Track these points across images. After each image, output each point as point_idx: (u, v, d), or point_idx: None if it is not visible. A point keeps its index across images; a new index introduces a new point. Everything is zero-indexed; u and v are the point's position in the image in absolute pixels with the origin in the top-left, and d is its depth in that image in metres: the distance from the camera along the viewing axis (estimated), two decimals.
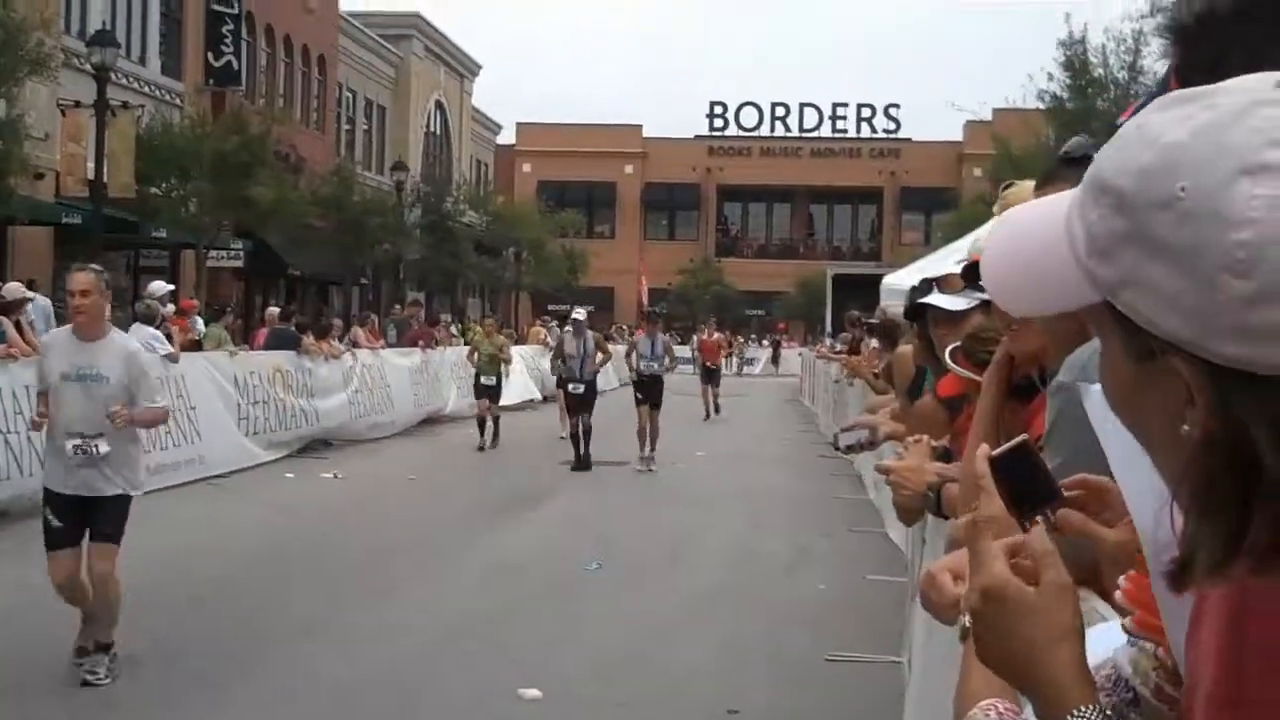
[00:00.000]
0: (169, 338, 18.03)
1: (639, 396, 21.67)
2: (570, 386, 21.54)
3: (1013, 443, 1.75)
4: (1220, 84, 1.21)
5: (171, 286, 21.44)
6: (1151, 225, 1.15)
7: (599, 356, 22.10)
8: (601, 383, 24.46)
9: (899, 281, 22.60)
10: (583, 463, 20.38)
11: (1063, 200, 1.31)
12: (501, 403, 25.63)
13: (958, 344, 4.65)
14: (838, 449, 6.09)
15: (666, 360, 22.68)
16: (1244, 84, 1.20)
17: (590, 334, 22.28)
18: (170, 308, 19.78)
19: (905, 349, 8.33)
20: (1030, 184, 6.42)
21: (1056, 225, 1.28)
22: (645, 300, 62.47)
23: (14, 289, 15.74)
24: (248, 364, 20.52)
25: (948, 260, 15.82)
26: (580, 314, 22.60)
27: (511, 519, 15.26)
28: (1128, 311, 1.19)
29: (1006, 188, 6.28)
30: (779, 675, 8.97)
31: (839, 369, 22.99)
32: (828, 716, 8.16)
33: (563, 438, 22.72)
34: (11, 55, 23.30)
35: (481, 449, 23.46)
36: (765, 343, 74.37)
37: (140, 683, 8.37)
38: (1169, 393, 1.20)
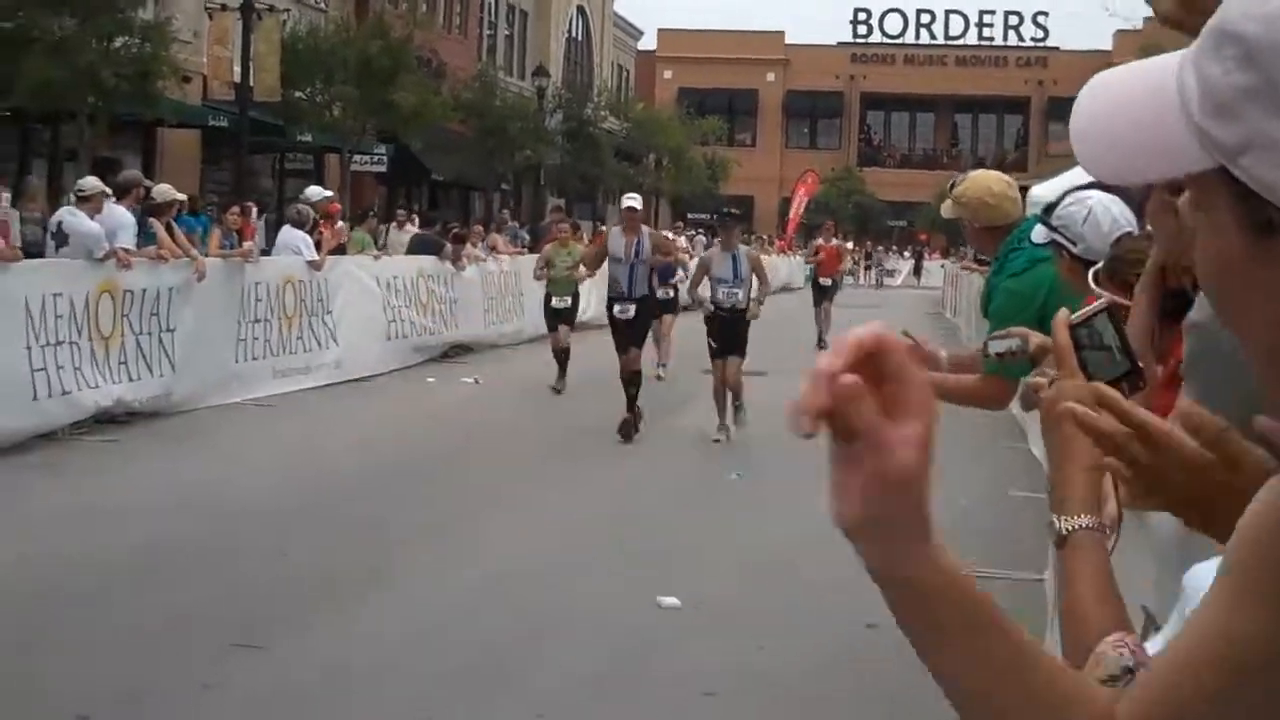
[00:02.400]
0: (318, 244, 18.23)
1: (713, 344, 14.92)
2: (615, 309, 15.43)
3: (1095, 306, 1.64)
4: None
5: (329, 193, 21.54)
6: None
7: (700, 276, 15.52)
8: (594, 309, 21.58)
9: (1047, 193, 22.23)
10: (624, 429, 14.77)
11: (1167, 60, 1.16)
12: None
13: (1100, 265, 4.49)
14: (987, 355, 5.91)
15: (754, 287, 15.12)
16: None
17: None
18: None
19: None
20: (984, 175, 6.26)
21: (1161, 84, 1.13)
22: (799, 214, 61.58)
23: (164, 190, 15.90)
24: (391, 268, 20.69)
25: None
26: (633, 200, 16.09)
27: (658, 422, 15.26)
28: (1247, 178, 1.05)
29: (952, 186, 6.13)
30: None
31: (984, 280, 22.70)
32: None
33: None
34: None
35: (558, 391, 18.43)
36: (907, 254, 73.72)
37: (275, 580, 8.49)
38: None
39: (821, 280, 28.92)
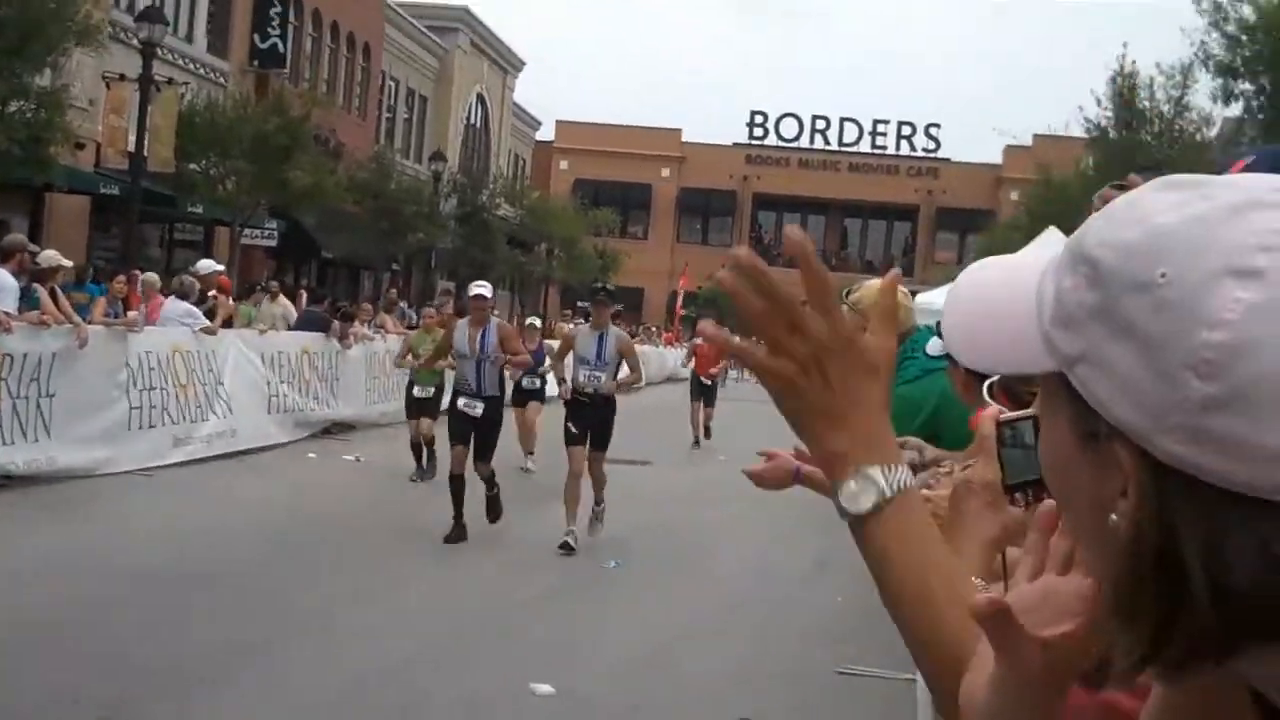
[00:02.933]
0: (209, 313, 18.26)
1: (571, 429, 13.81)
2: (460, 401, 13.90)
3: (1026, 411, 1.72)
4: (1222, 177, 1.16)
5: (220, 266, 21.51)
6: (1124, 305, 1.08)
7: (622, 369, 14.29)
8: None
9: (932, 301, 22.55)
10: (491, 513, 13.89)
11: (1037, 259, 1.26)
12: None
13: (994, 378, 4.58)
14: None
15: (619, 370, 14.12)
16: (1245, 181, 1.13)
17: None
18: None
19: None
20: (874, 284, 6.45)
21: (1025, 283, 1.22)
22: (680, 305, 62.17)
23: (50, 256, 15.77)
24: (276, 343, 20.60)
25: None
26: (482, 288, 14.46)
27: (531, 510, 15.22)
28: (1080, 388, 1.12)
29: (848, 293, 6.30)
30: (792, 686, 8.94)
31: None
32: None
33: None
34: (59, 25, 23.39)
35: (416, 480, 17.40)
36: None
37: (151, 655, 8.38)
38: (1105, 480, 1.13)
39: (702, 379, 26.97)
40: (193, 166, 31.87)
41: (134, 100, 28.27)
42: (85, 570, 10.50)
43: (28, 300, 14.70)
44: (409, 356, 17.80)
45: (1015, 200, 59.49)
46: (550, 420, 18.20)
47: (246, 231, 35.22)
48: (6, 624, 8.78)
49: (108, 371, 15.75)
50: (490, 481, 13.80)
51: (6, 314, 13.80)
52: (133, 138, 27.97)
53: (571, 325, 26.82)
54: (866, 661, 9.22)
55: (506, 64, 67.32)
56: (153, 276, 20.05)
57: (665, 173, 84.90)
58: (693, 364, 27.99)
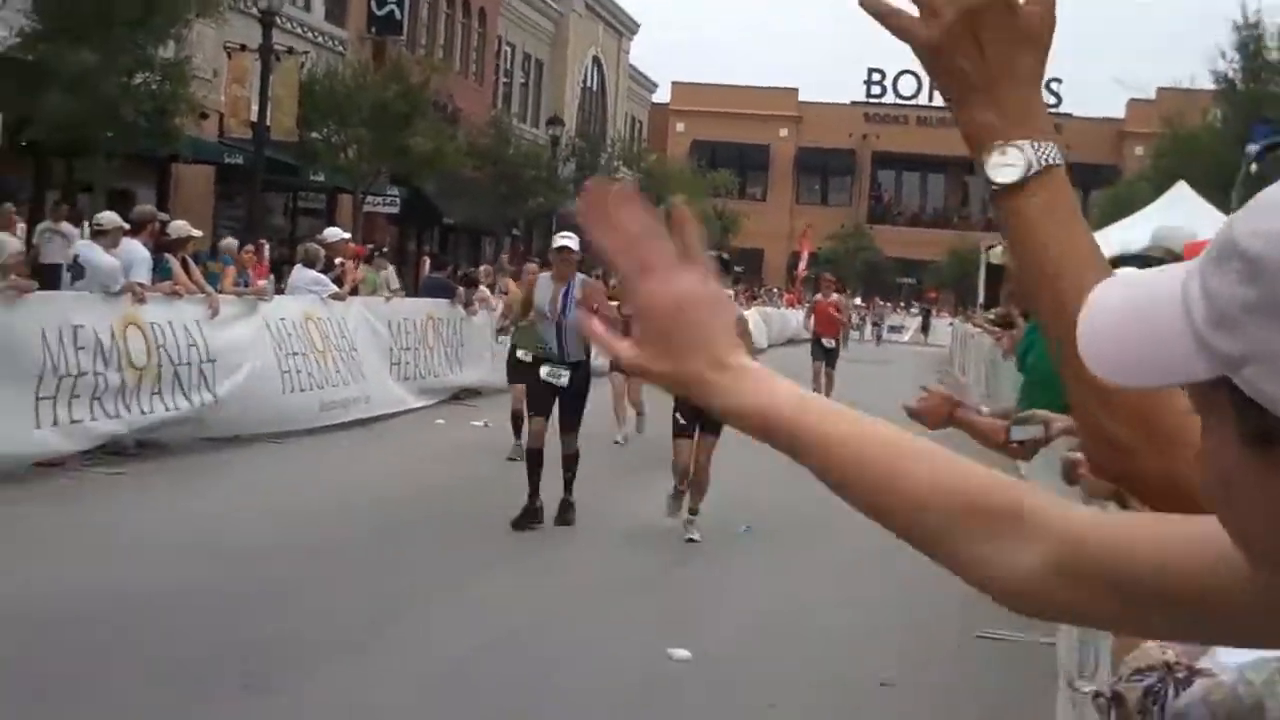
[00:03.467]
0: (338, 280, 18.48)
1: (679, 419, 11.99)
2: (544, 370, 12.34)
3: None
4: None
5: (346, 234, 21.68)
6: None
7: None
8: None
9: None
10: (562, 514, 12.32)
11: (1174, 269, 1.16)
12: None
13: None
14: (1010, 442, 5.88)
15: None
16: None
17: (581, 279, 12.55)
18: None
19: None
20: None
21: (1166, 293, 1.14)
22: (803, 267, 61.84)
23: (180, 227, 15.92)
24: (401, 310, 20.72)
25: (1113, 243, 15.50)
26: (568, 239, 12.52)
27: (655, 478, 15.18)
28: (1248, 388, 1.05)
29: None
30: (930, 650, 8.84)
31: (993, 343, 22.50)
32: (980, 693, 8.03)
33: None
34: None
35: (514, 459, 15.22)
36: (914, 310, 73.75)
37: (289, 623, 8.44)
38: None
39: (822, 340, 25.97)
40: (314, 135, 32.08)
41: (255, 70, 28.51)
42: (217, 539, 10.60)
43: (159, 271, 14.87)
44: (507, 319, 16.51)
45: (1140, 155, 58.51)
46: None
47: (368, 199, 35.44)
48: (143, 593, 8.88)
49: (252, 338, 15.93)
50: (572, 462, 12.33)
51: (140, 285, 13.96)
52: (255, 107, 28.23)
53: None
54: (1004, 625, 9.09)
55: (621, 26, 67.23)
56: (231, 242, 20.18)
57: (783, 133, 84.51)
58: (813, 325, 26.50)
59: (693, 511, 12.06)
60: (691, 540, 11.76)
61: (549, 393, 12.21)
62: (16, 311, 12.11)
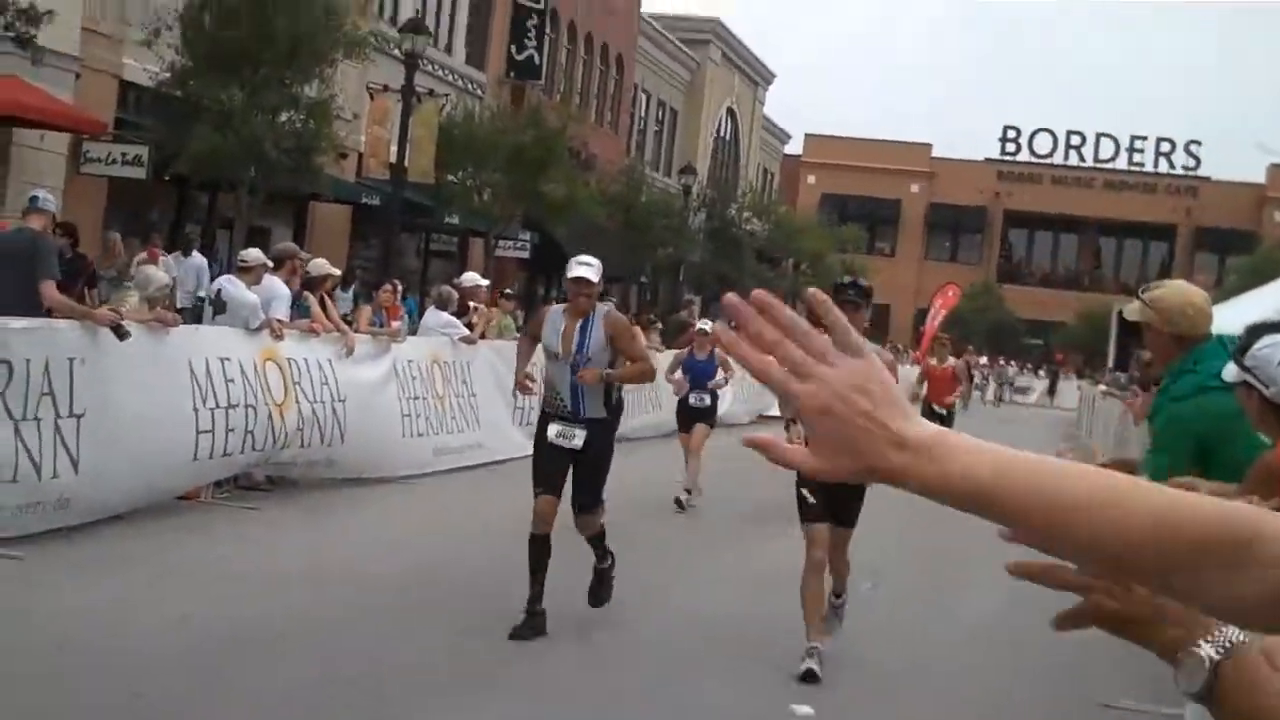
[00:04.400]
0: (470, 325, 18.66)
1: (807, 498, 9.21)
2: (552, 430, 9.80)
3: None
4: None
5: (484, 281, 21.87)
6: None
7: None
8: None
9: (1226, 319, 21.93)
10: (596, 590, 10.18)
11: None
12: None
13: None
14: None
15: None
16: None
17: (604, 311, 10.15)
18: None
19: None
20: (1185, 284, 6.22)
21: None
22: (933, 324, 61.19)
23: (321, 265, 16.18)
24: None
25: (1251, 308, 15.28)
26: (587, 267, 9.89)
27: (774, 529, 15.13)
28: None
29: (1143, 290, 6.08)
30: (1054, 717, 8.77)
31: (1124, 409, 22.18)
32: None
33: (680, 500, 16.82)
34: (328, 36, 24.05)
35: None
36: (1042, 373, 72.93)
37: (400, 662, 8.52)
38: None
39: (934, 407, 22.37)
40: (450, 178, 32.47)
41: (396, 111, 28.97)
42: (345, 575, 10.74)
43: (297, 308, 15.12)
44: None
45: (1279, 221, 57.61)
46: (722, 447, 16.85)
47: (500, 243, 35.79)
48: (264, 626, 9.02)
49: (380, 380, 16.14)
50: (600, 544, 10.07)
51: (280, 322, 14.21)
52: (394, 148, 28.66)
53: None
54: (1130, 696, 8.98)
55: (757, 76, 67.47)
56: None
57: (914, 188, 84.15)
58: (925, 390, 22.90)
59: (837, 595, 9.84)
60: (832, 629, 9.62)
61: (559, 458, 9.75)
62: (164, 344, 12.37)
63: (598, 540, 10.00)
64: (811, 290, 1.60)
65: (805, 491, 9.09)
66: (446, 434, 17.73)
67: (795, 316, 1.49)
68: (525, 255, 37.80)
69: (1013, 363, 72.33)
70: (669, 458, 18.36)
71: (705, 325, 18.22)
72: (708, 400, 17.58)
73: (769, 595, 10.91)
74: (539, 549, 9.61)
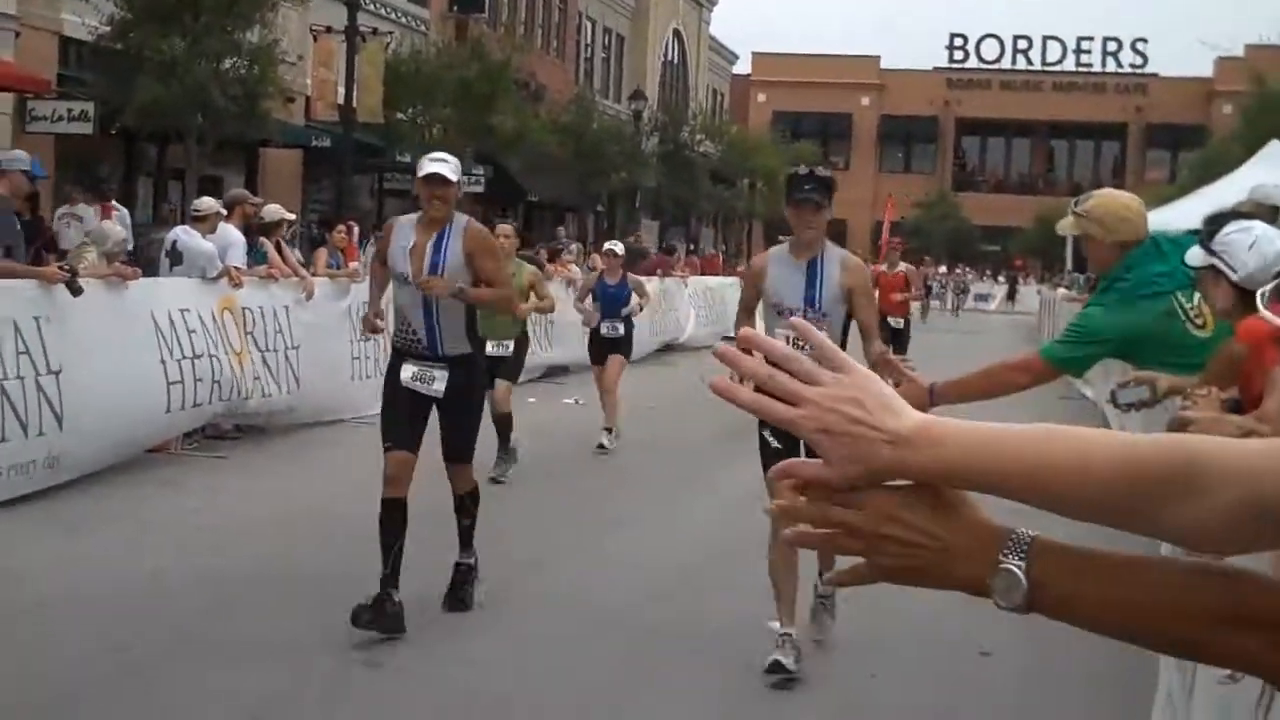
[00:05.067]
0: None
1: (769, 440, 7.62)
2: (406, 372, 8.25)
3: None
4: None
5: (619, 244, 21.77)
6: None
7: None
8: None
9: (1154, 223, 21.98)
10: (454, 591, 8.54)
11: None
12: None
13: (1270, 286, 4.47)
14: (1116, 405, 5.94)
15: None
16: None
17: (465, 223, 8.38)
18: None
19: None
20: (1114, 192, 6.29)
21: None
22: (886, 234, 61.27)
23: (274, 210, 16.09)
24: None
25: (1206, 204, 15.35)
26: (441, 163, 8.13)
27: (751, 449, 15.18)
28: None
29: (1077, 203, 6.15)
30: (1026, 620, 8.84)
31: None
32: (1080, 666, 8.03)
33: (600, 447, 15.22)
34: None
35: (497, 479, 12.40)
36: (1000, 279, 73.20)
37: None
38: None
39: (890, 320, 19.91)
40: (399, 116, 32.31)
41: (341, 52, 28.77)
42: (321, 521, 10.77)
43: (254, 255, 15.05)
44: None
45: (1229, 113, 57.74)
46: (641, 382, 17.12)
47: None
48: (240, 574, 9.05)
49: (334, 324, 16.07)
50: (468, 504, 8.66)
51: (237, 269, 14.15)
52: (342, 90, 28.48)
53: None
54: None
55: None
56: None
57: (865, 101, 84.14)
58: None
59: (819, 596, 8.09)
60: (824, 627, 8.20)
61: (418, 406, 8.29)
62: (124, 299, 12.30)
63: (469, 498, 8.58)
64: (745, 332, 1.69)
65: (767, 434, 7.41)
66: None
67: (782, 347, 1.60)
68: (480, 190, 37.63)
69: (970, 270, 72.48)
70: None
71: (614, 246, 16.95)
72: (621, 329, 15.90)
73: (719, 559, 11.01)
74: (392, 517, 8.03)
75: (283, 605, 8.31)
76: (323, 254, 18.06)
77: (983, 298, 67.35)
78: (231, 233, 14.58)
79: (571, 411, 18.55)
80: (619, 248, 16.76)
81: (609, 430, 15.31)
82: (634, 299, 16.06)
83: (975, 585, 1.56)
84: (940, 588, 1.58)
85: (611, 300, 15.83)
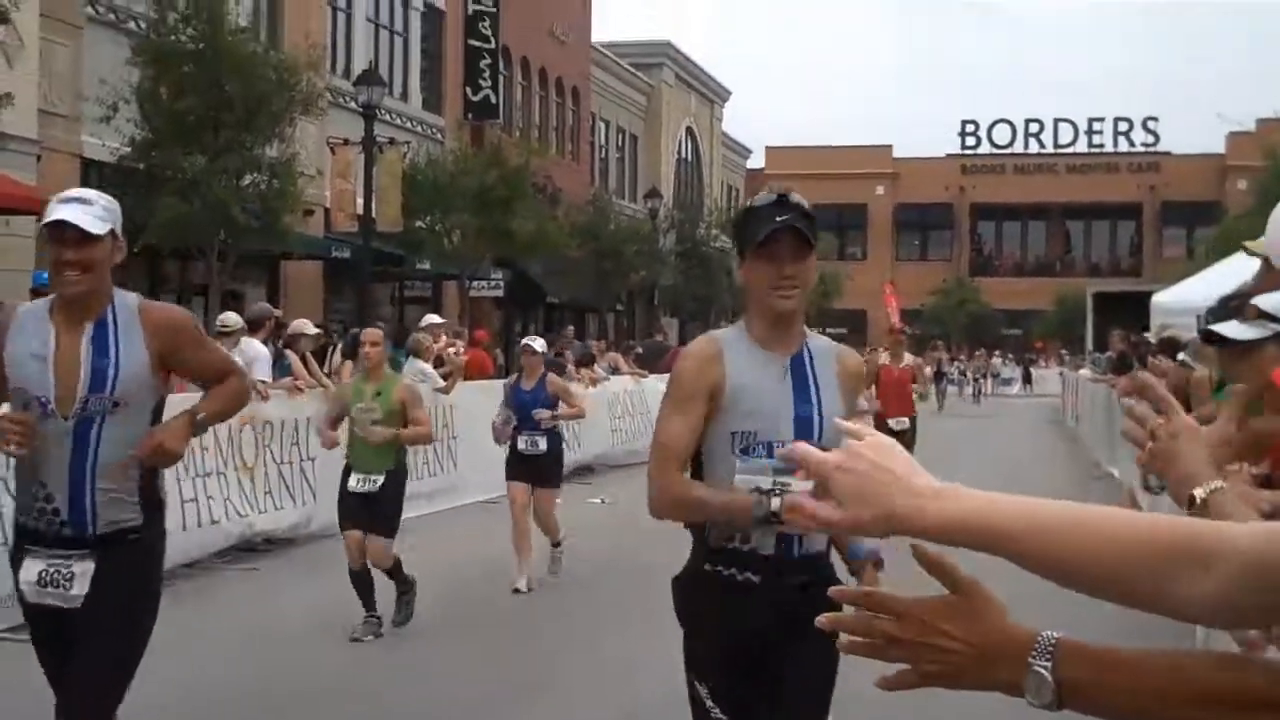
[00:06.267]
0: (448, 375, 18.66)
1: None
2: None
3: None
4: None
5: (440, 320, 21.99)
6: None
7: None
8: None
9: (1173, 300, 21.99)
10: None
11: None
12: None
13: None
14: (1147, 488, 5.96)
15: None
16: None
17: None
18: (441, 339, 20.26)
19: (1202, 373, 8.18)
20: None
21: None
22: (897, 321, 60.29)
23: (300, 324, 16.30)
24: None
25: (1225, 279, 15.34)
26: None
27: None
28: None
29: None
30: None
31: (1110, 390, 22.19)
32: None
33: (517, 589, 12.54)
34: (282, 96, 24.15)
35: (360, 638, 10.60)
36: (1012, 360, 72.77)
37: (420, 704, 8.58)
38: None
39: (892, 422, 16.75)
40: (419, 224, 32.58)
41: (358, 163, 29.07)
42: (349, 626, 10.82)
43: (279, 367, 15.20)
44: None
45: (1243, 188, 57.85)
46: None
47: (474, 284, 35.91)
48: (272, 685, 9.10)
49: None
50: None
51: (263, 383, 14.29)
52: (360, 200, 28.77)
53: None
54: None
55: (713, 95, 67.74)
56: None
57: (879, 190, 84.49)
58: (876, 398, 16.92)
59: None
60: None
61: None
62: None
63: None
64: (794, 447, 1.82)
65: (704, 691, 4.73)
66: (418, 480, 17.37)
67: (812, 451, 1.77)
68: (499, 294, 37.92)
69: (1009, 356, 71.93)
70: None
71: (531, 341, 13.56)
72: (543, 444, 12.97)
73: None
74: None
75: (314, 715, 8.35)
76: (349, 366, 18.18)
77: (1006, 382, 67.08)
78: (256, 346, 14.76)
79: (598, 511, 18.59)
80: (537, 344, 13.43)
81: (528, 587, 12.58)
82: (552, 409, 13.02)
83: (1010, 687, 1.70)
84: (979, 689, 1.73)
85: (527, 409, 12.87)
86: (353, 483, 10.57)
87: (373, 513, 10.58)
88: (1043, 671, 1.66)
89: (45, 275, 14.18)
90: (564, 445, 13.79)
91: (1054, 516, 1.63)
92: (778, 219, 4.70)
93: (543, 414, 12.85)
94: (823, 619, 1.77)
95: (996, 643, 1.69)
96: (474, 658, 9.91)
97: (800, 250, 4.69)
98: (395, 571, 10.79)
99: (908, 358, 18.43)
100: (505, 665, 9.61)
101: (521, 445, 12.90)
